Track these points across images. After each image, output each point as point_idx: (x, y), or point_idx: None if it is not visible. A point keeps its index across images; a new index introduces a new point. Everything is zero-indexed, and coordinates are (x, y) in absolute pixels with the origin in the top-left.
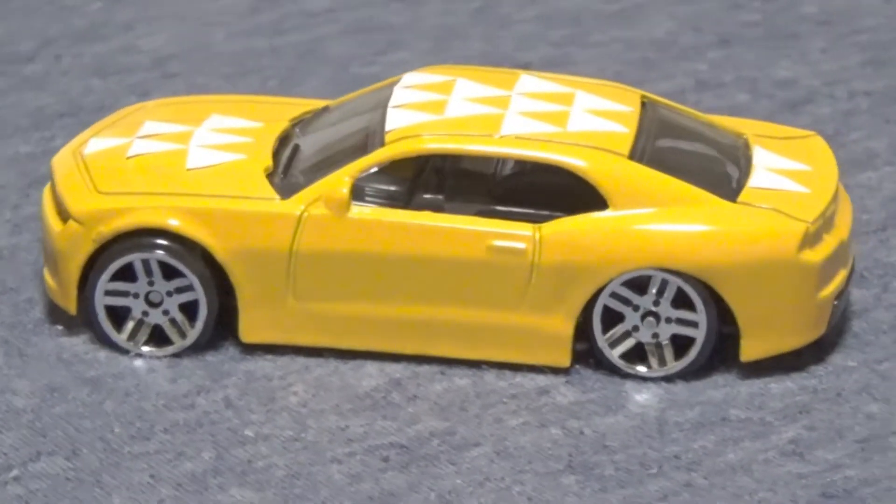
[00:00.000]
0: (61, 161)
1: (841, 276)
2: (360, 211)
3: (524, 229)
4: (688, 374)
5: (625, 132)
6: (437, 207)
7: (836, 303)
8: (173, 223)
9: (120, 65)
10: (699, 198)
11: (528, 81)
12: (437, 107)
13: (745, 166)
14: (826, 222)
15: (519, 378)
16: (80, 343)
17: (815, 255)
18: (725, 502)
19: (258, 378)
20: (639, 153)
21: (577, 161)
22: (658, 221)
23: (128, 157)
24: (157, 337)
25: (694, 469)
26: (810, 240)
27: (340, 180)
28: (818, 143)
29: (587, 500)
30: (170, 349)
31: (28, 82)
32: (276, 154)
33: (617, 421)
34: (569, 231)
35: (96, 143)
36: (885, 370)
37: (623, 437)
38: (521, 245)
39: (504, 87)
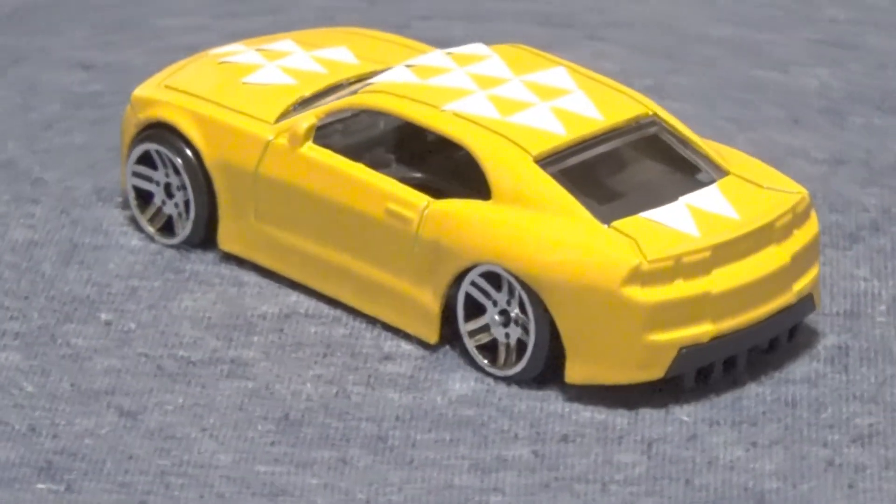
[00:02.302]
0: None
1: (702, 328)
2: (310, 149)
3: (419, 201)
4: (529, 381)
5: (559, 135)
6: (383, 165)
7: (683, 351)
8: (180, 123)
9: (493, 11)
10: (572, 213)
11: (548, 74)
12: (432, 73)
13: (671, 198)
14: (683, 268)
15: (389, 342)
16: (118, 216)
17: (648, 294)
18: (316, 479)
19: (193, 280)
20: (553, 158)
21: (478, 147)
22: (513, 223)
23: (219, 63)
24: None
25: (360, 447)
26: (643, 278)
27: (307, 117)
28: (787, 200)
29: (253, 443)
30: (171, 240)
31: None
32: (327, 89)
33: (394, 398)
34: (448, 211)
35: (230, 47)
36: (696, 432)
37: (367, 411)
38: (409, 214)
39: (519, 71)
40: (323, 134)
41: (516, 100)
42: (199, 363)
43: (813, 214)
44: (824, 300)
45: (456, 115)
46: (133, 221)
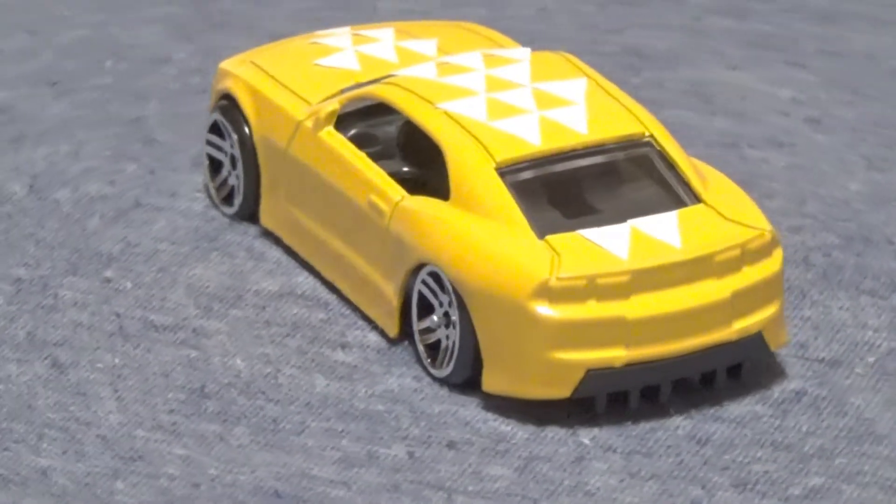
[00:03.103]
0: None
1: (613, 353)
2: (327, 133)
3: (395, 195)
4: (469, 386)
5: (532, 145)
6: (387, 157)
7: (591, 373)
8: (240, 97)
9: (712, 27)
10: (513, 222)
11: (564, 84)
12: (454, 71)
13: (621, 219)
14: (598, 289)
15: (357, 332)
16: (198, 183)
17: (556, 311)
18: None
19: (220, 251)
20: (517, 167)
21: (449, 147)
22: (456, 225)
23: (309, 43)
24: None
25: (248, 426)
26: (552, 294)
27: (332, 103)
28: (739, 235)
29: (152, 409)
30: (229, 210)
31: None
32: (383, 78)
33: (319, 385)
34: (412, 208)
35: (334, 30)
36: (585, 456)
37: (284, 394)
38: (384, 208)
39: (537, 79)
40: (346, 121)
41: (513, 105)
42: (161, 328)
43: (776, 253)
44: (817, 344)
45: (445, 114)
46: (207, 189)
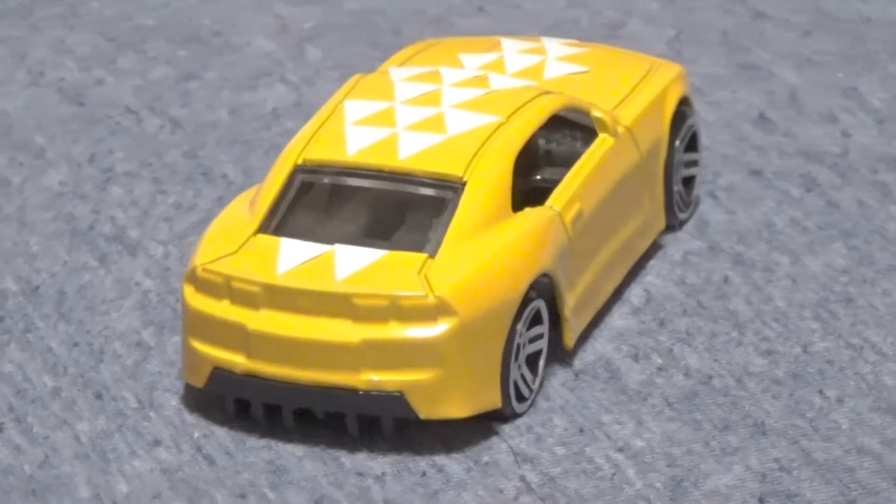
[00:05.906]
0: None
1: (236, 358)
2: None
3: None
4: None
5: (343, 155)
6: None
7: (216, 371)
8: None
9: None
10: (256, 215)
11: (473, 116)
12: (426, 79)
13: (334, 241)
14: (232, 292)
15: None
16: None
17: (196, 300)
18: None
19: None
20: (314, 170)
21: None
22: (233, 203)
23: (497, 41)
24: None
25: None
26: (197, 283)
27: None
28: (399, 287)
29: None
30: None
31: None
32: None
33: (110, 350)
34: None
35: (550, 39)
36: (166, 439)
37: (73, 342)
38: None
39: (467, 107)
40: None
41: (392, 118)
42: (111, 259)
43: (445, 321)
44: (549, 442)
45: (338, 107)
46: None
